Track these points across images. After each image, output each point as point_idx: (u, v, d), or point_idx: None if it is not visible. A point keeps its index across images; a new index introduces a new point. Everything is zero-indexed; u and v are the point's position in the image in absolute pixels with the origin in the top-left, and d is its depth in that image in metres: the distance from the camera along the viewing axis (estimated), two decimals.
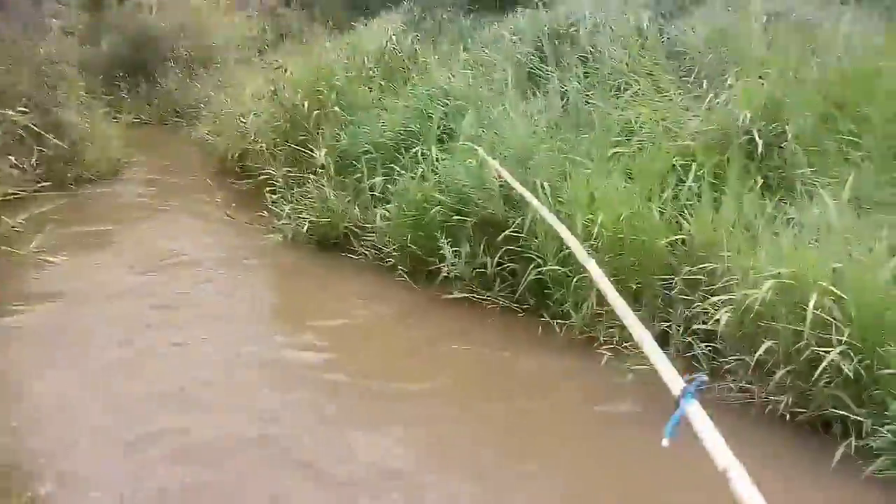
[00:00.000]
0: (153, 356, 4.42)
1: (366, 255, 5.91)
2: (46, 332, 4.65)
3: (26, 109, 7.77)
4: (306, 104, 7.03)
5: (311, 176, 6.51)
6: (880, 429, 3.22)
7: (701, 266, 4.15)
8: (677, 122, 5.00)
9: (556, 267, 4.64)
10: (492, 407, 3.93)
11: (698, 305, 4.08)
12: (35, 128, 7.43)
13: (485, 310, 4.96)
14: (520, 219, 4.91)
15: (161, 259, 6.04)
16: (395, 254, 5.64)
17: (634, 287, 4.41)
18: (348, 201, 6.21)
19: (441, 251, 5.22)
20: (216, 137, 8.69)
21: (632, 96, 5.38)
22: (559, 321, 4.58)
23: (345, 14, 9.87)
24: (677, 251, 4.40)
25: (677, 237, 4.38)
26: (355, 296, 5.36)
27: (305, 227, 6.21)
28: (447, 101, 6.19)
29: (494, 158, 5.22)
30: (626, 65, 5.66)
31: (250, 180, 7.51)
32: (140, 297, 5.28)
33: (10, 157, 7.34)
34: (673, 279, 4.29)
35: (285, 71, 7.55)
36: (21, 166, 7.41)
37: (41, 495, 2.90)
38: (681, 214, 4.45)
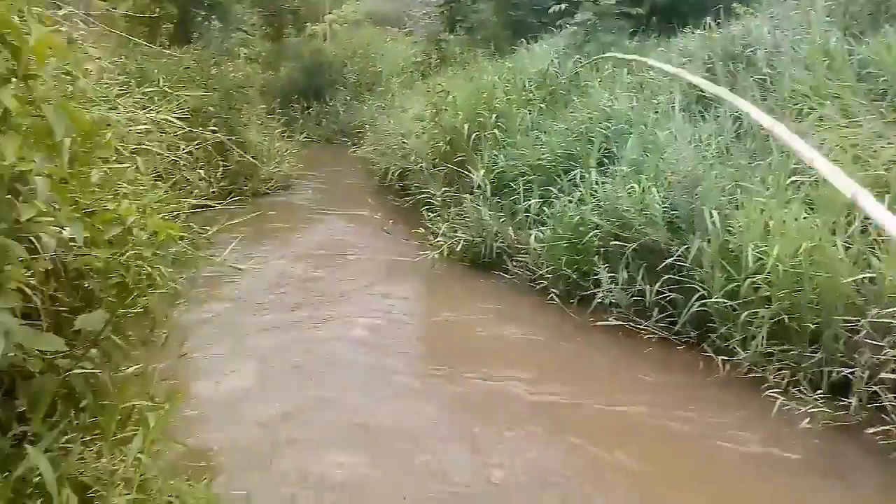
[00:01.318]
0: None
1: (518, 275, 5.92)
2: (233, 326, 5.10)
3: (216, 128, 8.61)
4: (466, 126, 7.19)
5: (468, 196, 6.64)
6: None
7: (892, 308, 3.74)
8: (868, 149, 4.56)
9: (723, 300, 4.38)
10: (642, 437, 3.76)
11: (888, 352, 3.68)
12: (226, 143, 8.18)
13: (640, 339, 4.78)
14: (684, 248, 4.69)
15: (322, 269, 6.42)
16: (548, 276, 5.59)
17: (812, 327, 4.07)
18: (503, 222, 6.26)
19: (597, 276, 5.12)
20: (379, 157, 9.12)
21: (816, 121, 4.98)
22: (723, 357, 4.31)
23: (507, 38, 10.02)
24: (864, 290, 3.99)
25: (866, 275, 3.98)
26: (506, 316, 5.36)
27: (460, 246, 6.34)
28: (608, 124, 6.08)
29: (658, 185, 5.05)
30: (810, 87, 5.26)
31: (409, 198, 7.80)
32: (303, 303, 5.64)
33: (199, 171, 8.15)
34: (858, 321, 3.89)
35: (447, 94, 7.79)
36: (209, 180, 8.20)
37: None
38: (871, 250, 4.04)
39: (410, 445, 3.66)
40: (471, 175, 6.70)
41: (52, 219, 1.85)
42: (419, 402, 4.17)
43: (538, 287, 5.64)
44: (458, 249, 6.33)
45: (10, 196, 1.75)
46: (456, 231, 6.48)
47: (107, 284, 2.05)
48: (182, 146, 7.07)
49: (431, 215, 6.95)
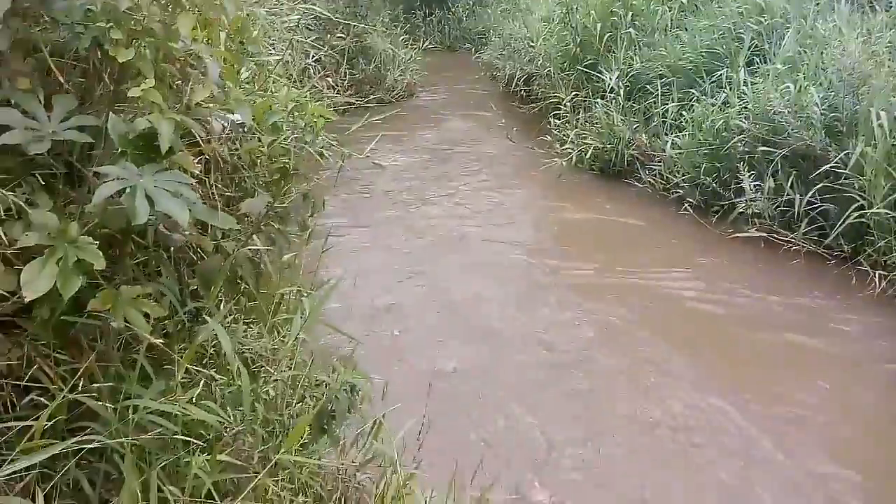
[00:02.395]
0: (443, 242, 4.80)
1: (651, 184, 5.68)
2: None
3: (343, 35, 8.66)
4: (598, 26, 6.80)
5: (599, 101, 6.36)
6: None
7: None
8: None
9: (884, 210, 4.01)
10: (782, 349, 3.60)
11: None
12: (352, 50, 8.24)
13: (785, 252, 4.50)
14: (843, 153, 4.30)
15: (452, 176, 6.45)
16: (683, 185, 5.33)
17: None
18: (636, 128, 5.97)
19: (738, 185, 4.81)
20: (503, 62, 8.87)
21: None
22: (881, 272, 3.98)
23: None
24: None
25: None
26: (637, 227, 5.19)
27: (588, 153, 6.13)
28: (761, 19, 5.54)
29: (818, 84, 4.60)
30: None
31: (535, 105, 7.58)
32: (436, 205, 5.72)
33: (328, 78, 8.30)
34: None
35: None
36: (336, 87, 8.35)
37: None
38: None
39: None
40: (602, 78, 6.38)
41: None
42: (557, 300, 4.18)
43: (672, 196, 5.40)
44: (586, 157, 6.13)
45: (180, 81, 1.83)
46: (585, 138, 6.26)
47: (271, 169, 2.14)
48: (311, 53, 7.21)
49: (558, 122, 6.73)
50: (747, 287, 4.23)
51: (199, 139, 1.78)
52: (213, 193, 2.43)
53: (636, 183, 5.78)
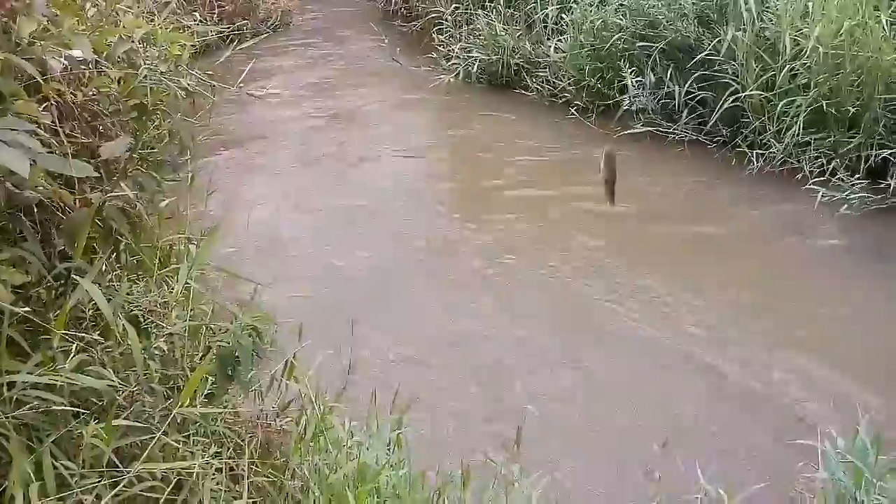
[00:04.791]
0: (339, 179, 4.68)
1: (539, 91, 5.69)
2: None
3: None
4: None
5: (480, 11, 6.23)
6: None
7: None
8: None
9: (757, 92, 4.19)
10: (686, 239, 3.77)
11: None
12: None
13: (670, 143, 4.65)
14: (716, 41, 4.41)
15: (337, 106, 6.22)
16: (569, 89, 5.36)
17: (852, 111, 3.90)
18: (519, 36, 5.91)
19: (622, 83, 4.89)
20: None
21: None
22: (757, 151, 4.19)
23: None
24: None
25: None
26: (527, 136, 5.21)
27: (475, 67, 6.05)
28: None
29: None
30: None
31: (416, 21, 7.36)
32: (330, 136, 5.53)
33: (194, 13, 7.73)
34: None
35: None
36: (205, 21, 7.79)
37: None
38: None
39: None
40: None
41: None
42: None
43: (560, 101, 5.43)
44: (473, 71, 6.04)
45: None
46: (470, 51, 6.15)
47: (126, 107, 1.95)
48: None
49: (442, 37, 6.58)
50: (640, 181, 4.38)
51: (39, 81, 1.58)
52: (69, 142, 2.22)
53: (525, 92, 5.77)
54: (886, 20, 3.87)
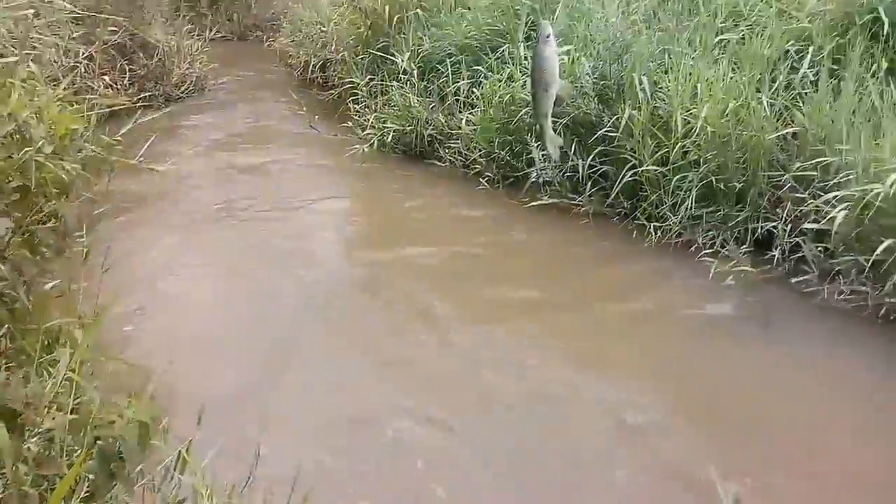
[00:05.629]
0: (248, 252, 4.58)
1: (451, 162, 5.83)
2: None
3: (115, 29, 7.92)
4: (387, 8, 6.81)
5: (395, 83, 6.39)
6: None
7: (815, 161, 3.85)
8: (792, 2, 4.54)
9: (653, 167, 4.42)
10: (584, 308, 3.87)
11: (810, 203, 3.82)
12: (128, 45, 7.58)
13: (575, 215, 4.82)
14: (614, 118, 4.66)
15: (254, 180, 6.17)
16: (480, 160, 5.52)
17: (738, 186, 4.17)
18: (432, 107, 6.08)
19: (530, 155, 5.07)
20: (297, 49, 8.63)
21: None
22: (655, 224, 4.40)
23: None
24: (788, 146, 4.09)
25: (789, 130, 4.06)
26: (441, 204, 5.31)
27: (390, 136, 6.15)
28: None
29: (587, 55, 4.94)
30: None
31: (333, 91, 7.46)
32: (242, 217, 5.44)
33: (104, 77, 7.57)
34: (782, 176, 4.01)
35: None
36: (115, 86, 7.65)
37: None
38: (794, 104, 4.10)
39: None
40: (395, 61, 6.42)
41: None
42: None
43: (472, 172, 5.57)
44: (388, 140, 6.15)
45: None
46: (385, 121, 6.27)
47: (8, 189, 1.87)
48: (80, 50, 6.50)
49: (358, 106, 6.69)
50: (545, 250, 4.51)
51: None
52: None
53: (438, 162, 5.90)
54: (767, 101, 4.20)
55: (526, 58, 5.38)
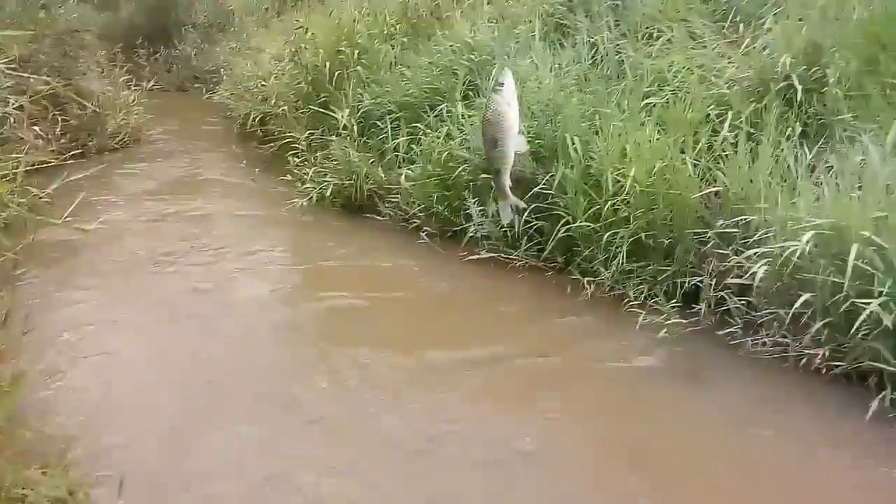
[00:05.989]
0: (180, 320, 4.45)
1: (391, 216, 5.87)
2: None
3: (48, 78, 7.77)
4: (328, 65, 6.92)
5: (335, 138, 6.44)
6: None
7: (736, 219, 4.03)
8: (712, 69, 4.81)
9: (586, 224, 4.55)
10: (517, 361, 3.91)
11: (733, 259, 3.98)
12: (62, 95, 7.43)
13: (512, 269, 4.90)
14: (548, 176, 4.80)
15: (189, 231, 6.06)
16: (420, 215, 5.58)
17: (666, 242, 4.32)
18: (372, 162, 6.15)
19: (468, 211, 5.16)
20: (237, 102, 8.63)
21: (665, 44, 5.18)
22: (588, 278, 4.50)
23: None
24: (711, 204, 4.27)
25: (712, 190, 4.26)
26: (379, 257, 5.32)
27: (329, 191, 6.17)
28: (472, 57, 6.03)
29: (523, 115, 5.09)
30: (659, 11, 5.44)
31: (273, 144, 7.47)
32: (173, 269, 5.31)
33: (35, 127, 7.38)
34: (706, 233, 4.18)
35: (306, 31, 7.43)
36: (46, 136, 7.46)
37: None
38: (716, 165, 4.31)
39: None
40: (336, 116, 6.49)
41: None
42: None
43: (411, 227, 5.62)
44: (327, 194, 6.16)
45: None
46: (325, 175, 6.29)
47: None
48: (11, 101, 6.34)
49: (297, 160, 6.70)
50: (481, 303, 4.56)
51: None
52: None
53: (377, 216, 5.94)
54: (691, 162, 4.40)
55: (463, 115, 5.53)
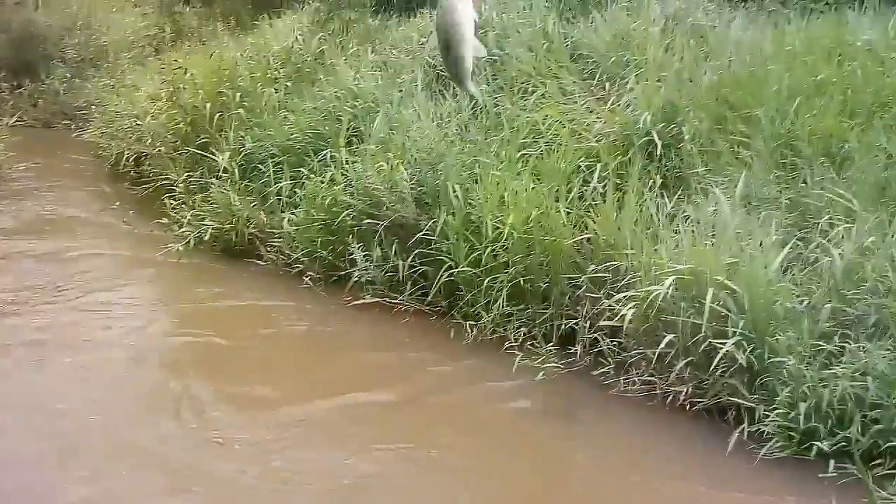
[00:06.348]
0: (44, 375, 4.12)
1: (273, 261, 5.75)
2: None
3: None
4: (208, 106, 6.77)
5: (214, 181, 6.27)
6: (770, 414, 3.40)
7: (606, 264, 4.26)
8: (582, 123, 5.11)
9: (468, 268, 4.65)
10: (402, 408, 3.90)
11: (604, 302, 4.19)
12: None
13: (396, 313, 4.91)
14: (431, 222, 4.89)
15: (54, 273, 5.65)
16: (303, 260, 5.50)
17: (543, 286, 4.49)
18: (254, 206, 6.02)
19: (352, 256, 5.14)
20: (109, 141, 8.22)
21: (539, 98, 5.46)
22: (471, 322, 4.58)
23: (248, 12, 9.56)
24: (584, 250, 4.49)
25: (584, 236, 4.48)
26: (261, 304, 5.19)
27: (208, 234, 5.97)
28: (356, 103, 6.09)
29: (406, 162, 5.18)
30: (533, 67, 5.74)
31: (149, 185, 7.15)
32: (34, 311, 4.91)
33: None
34: (580, 277, 4.38)
35: (185, 71, 7.25)
36: None
37: None
38: (587, 214, 4.55)
39: None
40: (216, 158, 6.32)
41: None
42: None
43: (293, 272, 5.52)
44: (206, 239, 5.95)
45: None
46: (203, 219, 6.08)
47: None
48: None
49: (175, 203, 6.45)
50: (364, 347, 4.53)
51: None
52: None
53: (259, 261, 5.80)
54: (564, 210, 4.62)
55: (347, 161, 5.55)
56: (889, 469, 3.06)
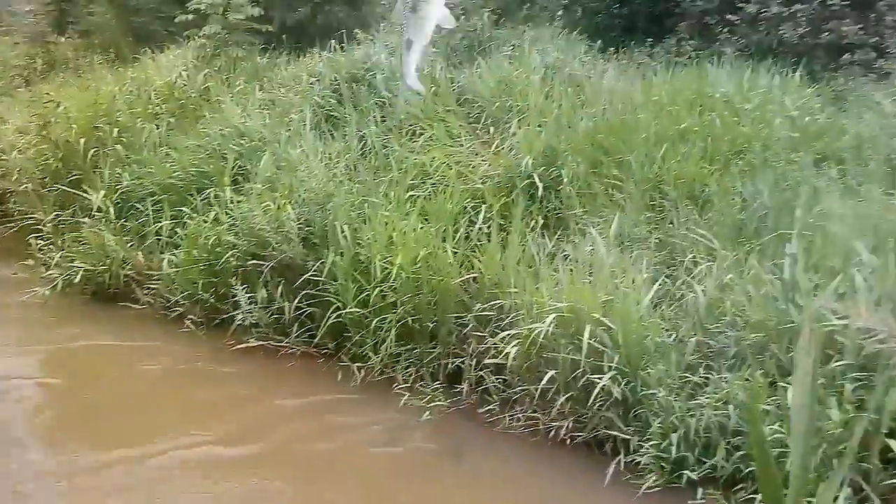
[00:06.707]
0: None
1: (150, 304, 5.47)
2: None
3: None
4: (82, 141, 6.42)
5: (87, 220, 5.92)
6: (645, 445, 3.56)
7: (491, 303, 4.34)
8: (468, 165, 5.25)
9: (356, 309, 4.61)
10: (289, 455, 3.78)
11: (489, 340, 4.26)
12: None
13: (282, 357, 4.79)
14: (319, 262, 4.82)
15: None
16: (183, 302, 5.27)
17: (431, 325, 4.51)
18: (131, 246, 5.72)
19: (236, 298, 4.97)
20: None
21: (427, 140, 5.56)
22: (358, 364, 4.53)
23: (129, 45, 9.21)
24: (470, 289, 4.57)
25: (470, 276, 4.56)
26: (136, 351, 4.90)
27: (79, 277, 5.60)
28: (242, 142, 5.97)
29: (293, 202, 5.11)
30: (421, 111, 5.85)
31: (13, 225, 6.65)
32: None
33: None
34: (466, 316, 4.44)
35: (57, 105, 6.86)
36: None
37: None
38: (473, 254, 4.64)
39: None
40: (89, 196, 5.98)
41: None
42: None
43: (173, 315, 5.28)
44: (76, 281, 5.58)
45: None
46: (73, 260, 5.71)
47: None
48: None
49: (42, 243, 6.02)
50: (251, 393, 4.36)
51: None
52: None
53: (134, 304, 5.50)
54: (451, 250, 4.69)
55: (232, 200, 5.40)
56: (751, 493, 3.25)
